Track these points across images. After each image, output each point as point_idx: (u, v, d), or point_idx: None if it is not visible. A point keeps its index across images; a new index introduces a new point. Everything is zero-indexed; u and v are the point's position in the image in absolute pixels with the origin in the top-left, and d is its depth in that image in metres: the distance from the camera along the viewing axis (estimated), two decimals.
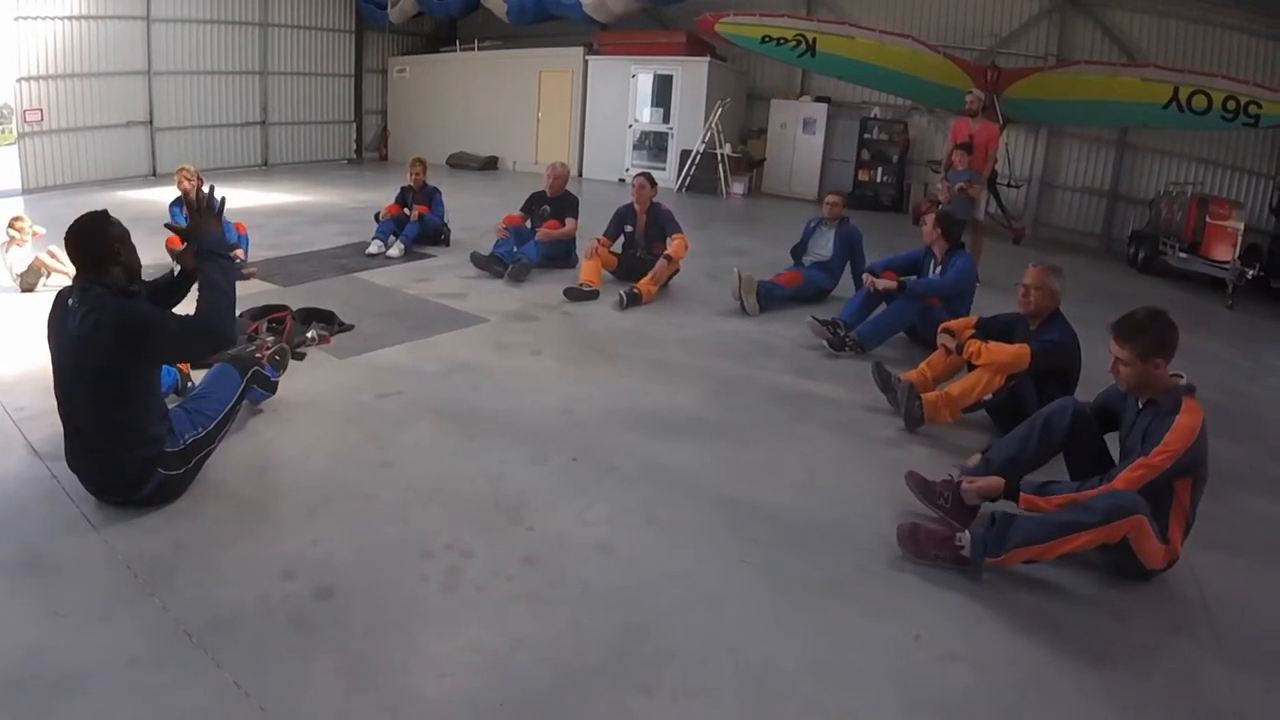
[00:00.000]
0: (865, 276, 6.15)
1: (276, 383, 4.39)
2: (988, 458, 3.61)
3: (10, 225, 6.67)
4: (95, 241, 3.14)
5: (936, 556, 3.19)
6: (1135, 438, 3.26)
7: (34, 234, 6.69)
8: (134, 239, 3.29)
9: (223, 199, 3.47)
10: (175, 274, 3.71)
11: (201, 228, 3.36)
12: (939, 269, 5.94)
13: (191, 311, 3.24)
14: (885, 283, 5.92)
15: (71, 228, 3.16)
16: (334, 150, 18.42)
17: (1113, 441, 3.55)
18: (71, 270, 3.35)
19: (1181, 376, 3.23)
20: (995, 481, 3.39)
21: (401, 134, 19.44)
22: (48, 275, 6.49)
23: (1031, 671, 2.68)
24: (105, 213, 3.24)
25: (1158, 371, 3.18)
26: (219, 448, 3.58)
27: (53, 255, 6.50)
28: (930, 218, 6.01)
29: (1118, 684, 2.66)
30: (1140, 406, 3.31)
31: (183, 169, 7.45)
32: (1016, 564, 3.11)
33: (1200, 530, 3.30)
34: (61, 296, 3.20)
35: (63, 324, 3.12)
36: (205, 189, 3.49)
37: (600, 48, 16.32)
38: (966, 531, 3.19)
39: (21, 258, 6.55)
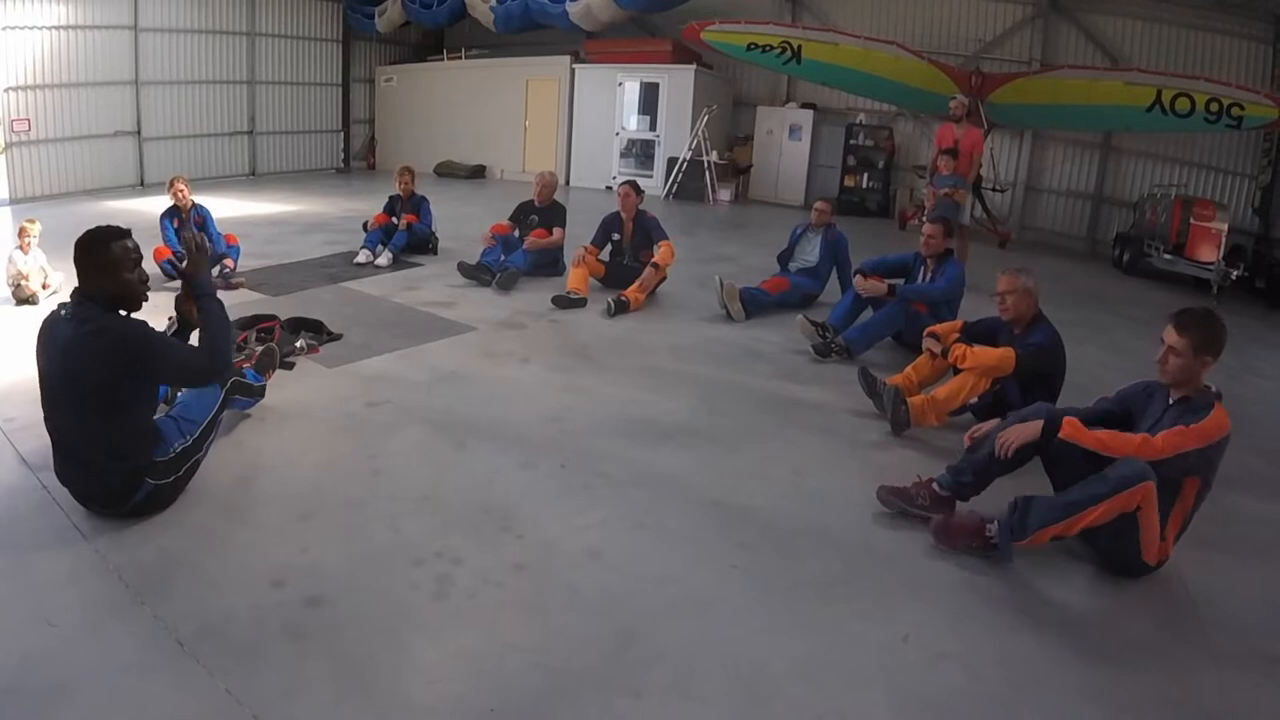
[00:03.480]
0: (856, 278, 6.18)
1: (263, 386, 4.40)
2: (958, 468, 3.61)
3: (19, 232, 6.63)
4: (96, 254, 3.12)
5: (967, 546, 3.30)
6: (1163, 429, 3.22)
7: (43, 284, 6.59)
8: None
9: (209, 246, 3.56)
10: (170, 328, 3.69)
11: (198, 274, 3.50)
12: (929, 275, 5.97)
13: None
14: (875, 286, 5.96)
15: (79, 237, 3.17)
16: (321, 159, 18.39)
17: None
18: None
19: (1211, 385, 3.27)
20: (1033, 426, 3.35)
21: (389, 143, 19.41)
22: (43, 293, 6.47)
23: (1021, 670, 2.71)
24: (117, 229, 3.23)
25: (1204, 369, 3.21)
26: (208, 456, 3.58)
27: (45, 287, 6.52)
28: (932, 226, 5.98)
29: (1107, 682, 2.69)
30: (1170, 402, 3.32)
31: (176, 179, 7.46)
32: (1044, 542, 3.20)
33: (1187, 528, 3.33)
34: (57, 308, 3.20)
35: (55, 333, 3.10)
36: (196, 235, 3.68)
37: (587, 56, 16.36)
38: (995, 521, 3.27)
39: (24, 264, 6.49)
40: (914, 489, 3.62)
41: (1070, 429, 3.21)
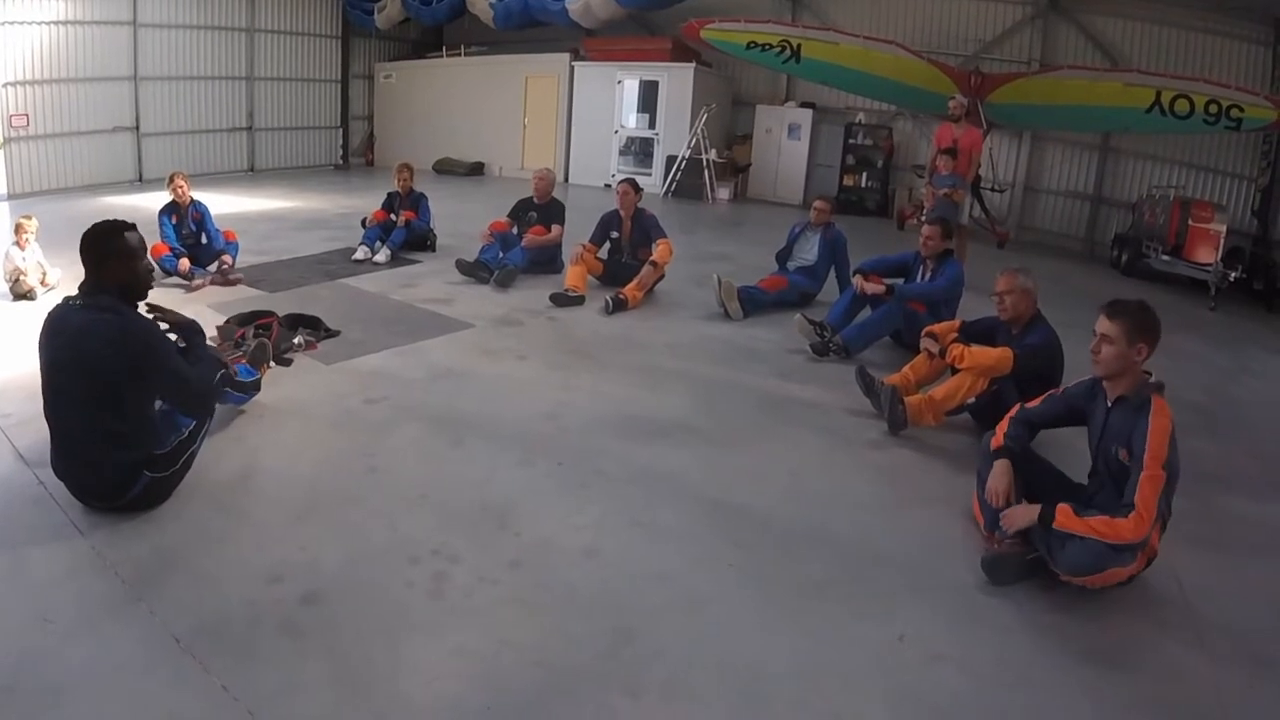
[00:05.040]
0: (855, 278, 6.20)
1: (257, 381, 4.41)
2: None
3: (17, 228, 6.61)
4: (112, 244, 3.18)
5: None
6: (1110, 436, 3.27)
7: (41, 280, 6.57)
8: None
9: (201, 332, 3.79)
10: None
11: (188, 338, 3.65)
12: (928, 274, 5.96)
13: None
14: (873, 287, 5.96)
15: (90, 229, 3.20)
16: (320, 156, 18.32)
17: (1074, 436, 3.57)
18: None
19: (1150, 374, 3.26)
20: (1031, 510, 3.23)
21: (388, 140, 19.34)
22: (41, 289, 6.45)
23: (1017, 671, 2.72)
24: (125, 222, 3.28)
25: (1138, 358, 3.19)
26: (203, 451, 3.58)
27: (44, 283, 6.51)
28: (930, 227, 5.98)
29: (1103, 682, 2.70)
30: (1110, 405, 3.33)
31: (175, 175, 7.46)
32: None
33: (1181, 529, 3.35)
34: (64, 300, 3.22)
35: (66, 321, 3.13)
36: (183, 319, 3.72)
37: (586, 54, 16.33)
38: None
39: (22, 260, 6.48)
40: (1008, 545, 3.36)
41: (1063, 519, 3.08)
